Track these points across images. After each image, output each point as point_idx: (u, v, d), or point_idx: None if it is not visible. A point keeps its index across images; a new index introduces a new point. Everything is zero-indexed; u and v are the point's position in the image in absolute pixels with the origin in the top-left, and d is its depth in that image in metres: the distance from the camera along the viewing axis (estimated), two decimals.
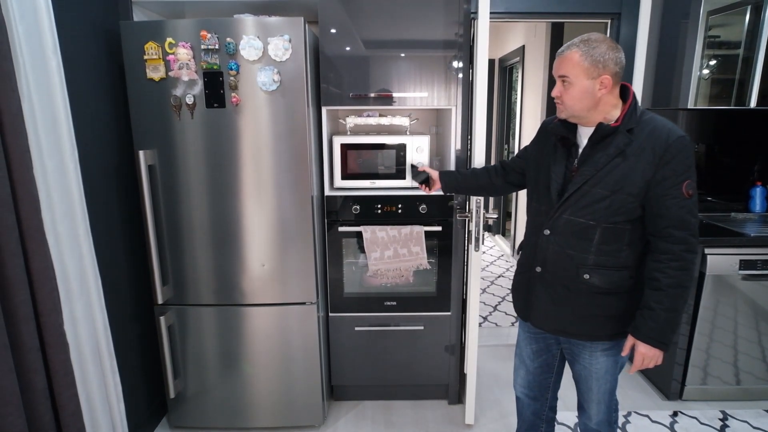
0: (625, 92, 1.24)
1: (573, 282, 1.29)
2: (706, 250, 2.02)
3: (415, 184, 1.90)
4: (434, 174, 1.76)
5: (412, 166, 1.90)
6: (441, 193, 1.87)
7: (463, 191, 1.77)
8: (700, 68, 2.11)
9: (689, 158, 1.17)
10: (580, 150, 1.29)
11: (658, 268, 1.21)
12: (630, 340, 1.27)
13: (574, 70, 1.18)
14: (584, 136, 1.28)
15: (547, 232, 1.32)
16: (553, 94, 1.26)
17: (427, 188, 1.81)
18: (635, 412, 2.14)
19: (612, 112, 1.23)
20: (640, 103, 1.25)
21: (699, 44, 2.08)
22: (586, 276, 1.27)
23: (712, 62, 2.13)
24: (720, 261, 2.02)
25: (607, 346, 1.33)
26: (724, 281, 2.05)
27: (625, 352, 1.29)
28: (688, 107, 2.16)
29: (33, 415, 1.32)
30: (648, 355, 1.24)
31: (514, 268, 1.76)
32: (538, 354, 1.50)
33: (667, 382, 2.21)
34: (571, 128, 1.31)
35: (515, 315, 1.66)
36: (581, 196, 1.24)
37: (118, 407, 1.68)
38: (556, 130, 1.31)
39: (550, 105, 3.36)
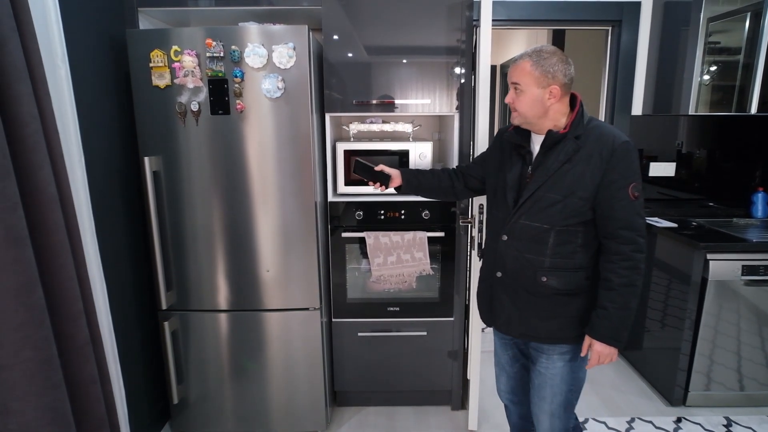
0: (573, 101, 1.30)
1: (532, 285, 1.33)
2: (708, 256, 2.02)
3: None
4: (393, 171, 1.61)
5: (362, 164, 1.62)
6: (393, 192, 1.66)
7: (423, 192, 1.64)
8: (700, 74, 2.13)
9: (634, 162, 1.23)
10: (534, 157, 1.33)
11: (610, 269, 1.25)
12: (587, 340, 1.30)
13: (525, 79, 1.24)
14: (537, 143, 1.32)
15: (505, 237, 1.35)
16: (507, 100, 1.31)
17: (383, 186, 1.62)
18: (639, 418, 2.13)
19: (561, 120, 1.29)
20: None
21: (699, 51, 2.10)
22: (544, 279, 1.30)
23: (713, 68, 2.14)
24: (722, 266, 2.02)
25: (565, 350, 1.35)
26: (726, 287, 2.05)
27: (583, 353, 1.32)
28: (689, 113, 2.17)
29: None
30: (603, 353, 1.27)
31: None
32: (515, 359, 1.52)
33: (671, 388, 2.21)
34: (525, 136, 1.35)
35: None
36: (536, 201, 1.28)
37: (123, 412, 1.68)
38: (511, 138, 1.37)
39: None
